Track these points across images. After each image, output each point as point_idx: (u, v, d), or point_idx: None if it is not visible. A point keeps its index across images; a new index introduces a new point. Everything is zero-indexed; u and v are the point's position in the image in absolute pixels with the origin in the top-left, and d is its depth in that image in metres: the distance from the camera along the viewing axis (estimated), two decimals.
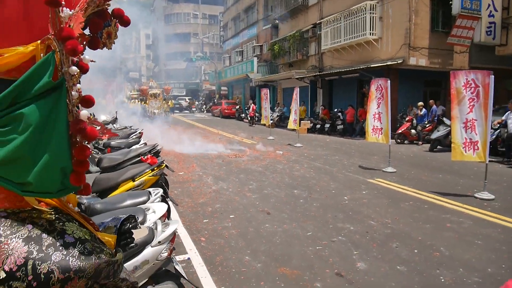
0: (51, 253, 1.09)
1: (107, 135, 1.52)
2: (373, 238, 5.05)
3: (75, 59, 1.18)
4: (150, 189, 4.24)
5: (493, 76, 6.74)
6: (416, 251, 4.62)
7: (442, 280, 3.89)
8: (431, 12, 16.46)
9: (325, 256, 4.47)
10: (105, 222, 1.80)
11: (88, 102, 1.22)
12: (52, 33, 1.12)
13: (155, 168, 5.13)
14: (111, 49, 1.46)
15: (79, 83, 1.24)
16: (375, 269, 4.14)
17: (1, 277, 1.02)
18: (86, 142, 1.21)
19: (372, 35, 17.88)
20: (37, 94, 1.09)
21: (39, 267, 1.06)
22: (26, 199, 1.20)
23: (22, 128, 1.07)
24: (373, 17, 17.82)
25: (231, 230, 5.35)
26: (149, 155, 5.61)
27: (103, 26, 1.30)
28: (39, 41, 1.12)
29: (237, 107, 33.37)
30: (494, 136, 11.26)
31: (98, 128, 1.51)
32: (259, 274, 4.01)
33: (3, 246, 1.07)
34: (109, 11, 1.33)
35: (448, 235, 5.17)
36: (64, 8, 1.12)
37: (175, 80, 61.41)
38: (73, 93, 1.16)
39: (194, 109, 46.68)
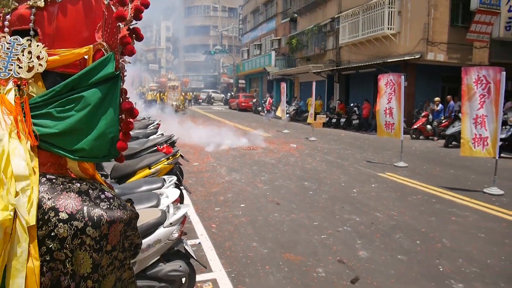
0: (98, 202, 1.43)
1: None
2: (377, 229, 5.23)
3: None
4: (165, 177, 4.51)
5: (504, 72, 6.78)
6: (418, 242, 4.78)
7: (441, 269, 4.06)
8: (450, 6, 16.26)
9: (329, 244, 4.67)
10: None
11: (125, 92, 1.64)
12: (104, 39, 1.50)
13: (170, 157, 5.41)
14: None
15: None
16: (376, 257, 4.33)
17: (64, 218, 1.35)
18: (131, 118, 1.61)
19: (390, 29, 17.79)
20: (98, 81, 1.46)
21: (92, 212, 1.39)
22: (67, 169, 1.55)
23: (81, 107, 1.42)
24: (391, 12, 17.72)
25: (241, 218, 5.60)
26: (165, 145, 5.90)
27: (134, 50, 1.68)
28: (91, 45, 1.48)
29: (254, 100, 33.56)
30: (510, 132, 11.20)
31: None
32: (265, 259, 4.25)
33: (62, 196, 1.39)
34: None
35: (452, 228, 5.30)
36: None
37: (194, 73, 62.02)
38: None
39: (201, 100, 47.10)
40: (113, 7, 1.51)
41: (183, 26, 62.10)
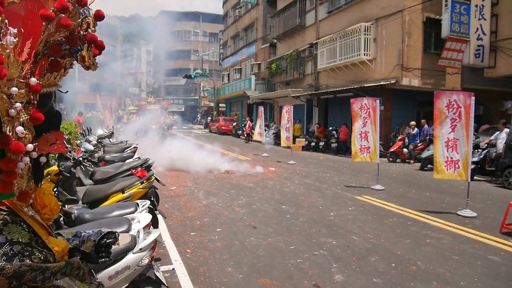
0: None
1: (61, 150, 1.65)
2: (353, 252, 5.22)
3: (21, 81, 1.34)
4: (138, 201, 4.43)
5: (473, 97, 7.02)
6: (393, 264, 4.79)
7: None
8: (423, 34, 16.87)
9: (305, 268, 4.64)
10: (88, 233, 1.95)
11: (35, 119, 1.38)
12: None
13: (144, 181, 5.33)
14: (94, 70, 1.65)
15: (33, 103, 1.39)
16: (352, 281, 4.31)
17: None
18: (14, 155, 1.32)
19: (366, 55, 18.28)
20: None
21: None
22: None
23: None
24: (367, 38, 18.24)
25: (216, 243, 5.52)
26: (140, 168, 5.82)
27: (61, 51, 1.45)
28: None
29: (234, 124, 33.66)
30: (482, 155, 11.51)
31: (57, 142, 1.66)
32: (240, 284, 4.18)
33: None
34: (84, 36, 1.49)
35: (427, 250, 5.34)
36: (8, 37, 1.29)
37: (174, 96, 62.10)
38: (11, 111, 1.31)
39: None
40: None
41: (164, 50, 62.45)
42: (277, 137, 24.50)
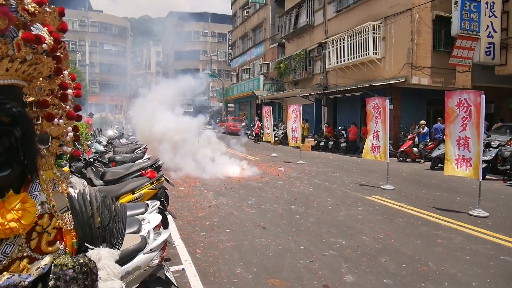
0: None
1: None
2: (363, 252, 5.20)
3: None
4: (148, 202, 4.46)
5: (483, 96, 6.94)
6: (404, 265, 4.76)
7: None
8: (433, 32, 16.74)
9: (314, 269, 4.63)
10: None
11: None
12: None
13: (154, 182, 5.37)
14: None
15: None
16: (362, 281, 4.29)
17: None
18: None
19: (376, 54, 18.18)
20: None
21: None
22: None
23: None
24: (376, 37, 18.15)
25: (226, 243, 5.54)
26: (150, 169, 5.86)
27: None
28: None
29: (243, 124, 33.67)
30: (494, 154, 11.37)
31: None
32: (249, 285, 4.18)
33: None
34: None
35: (438, 250, 5.30)
36: None
37: (183, 97, 62.25)
38: None
39: None
40: None
41: (173, 51, 62.69)
42: (285, 137, 24.51)
